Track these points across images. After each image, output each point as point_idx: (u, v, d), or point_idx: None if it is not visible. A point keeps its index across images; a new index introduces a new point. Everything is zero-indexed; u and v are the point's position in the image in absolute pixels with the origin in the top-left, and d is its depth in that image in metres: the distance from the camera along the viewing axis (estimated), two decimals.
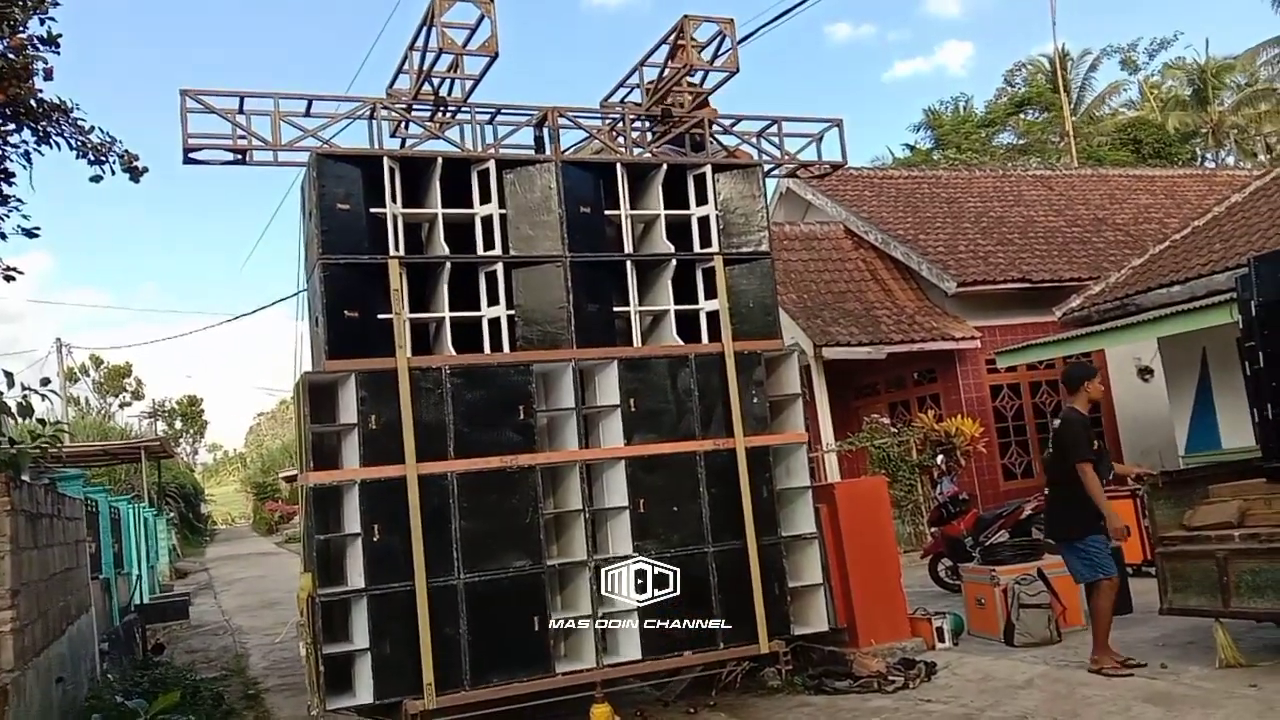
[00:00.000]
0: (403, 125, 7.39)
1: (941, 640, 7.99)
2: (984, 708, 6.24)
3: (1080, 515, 6.65)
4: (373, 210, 6.52)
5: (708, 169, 7.36)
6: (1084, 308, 13.80)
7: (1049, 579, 8.06)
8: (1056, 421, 7.07)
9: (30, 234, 8.18)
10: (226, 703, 9.19)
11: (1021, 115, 40.09)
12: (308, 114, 6.88)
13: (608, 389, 6.90)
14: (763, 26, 11.08)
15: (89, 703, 8.24)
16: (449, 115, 7.26)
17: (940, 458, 12.24)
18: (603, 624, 6.55)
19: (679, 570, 6.76)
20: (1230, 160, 36.93)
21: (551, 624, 6.42)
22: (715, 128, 7.93)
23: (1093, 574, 6.66)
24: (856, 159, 40.19)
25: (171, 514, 32.54)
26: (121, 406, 55.40)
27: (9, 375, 6.51)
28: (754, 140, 8.06)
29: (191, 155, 6.67)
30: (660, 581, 6.69)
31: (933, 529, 11.55)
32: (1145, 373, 15.51)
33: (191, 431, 66.16)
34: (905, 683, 6.98)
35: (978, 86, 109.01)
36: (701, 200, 7.35)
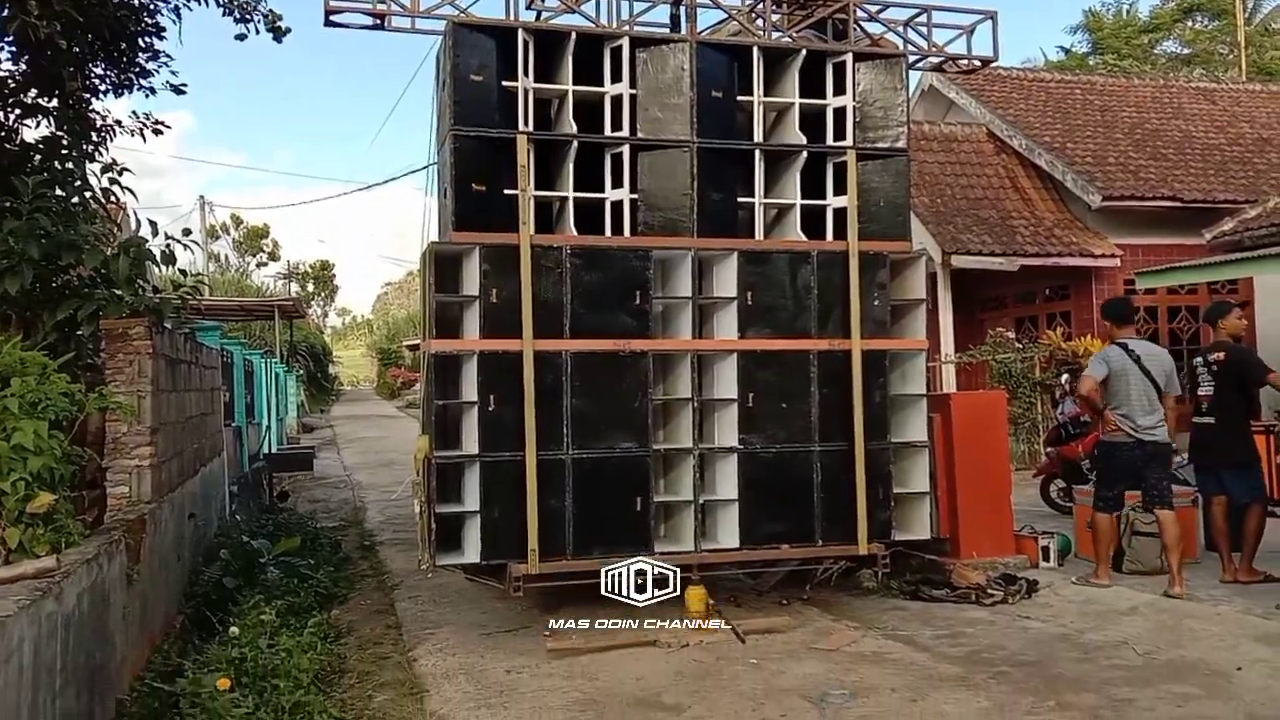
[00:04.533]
0: None
1: (1046, 560, 7.87)
2: (1083, 630, 6.16)
3: (1248, 443, 7.35)
4: (504, 84, 6.48)
5: (848, 57, 7.06)
6: (1236, 232, 13.03)
7: None
8: (1218, 355, 7.36)
9: (178, 90, 8.46)
10: (343, 551, 9.73)
11: (1189, 23, 37.25)
12: None
13: (725, 280, 6.83)
14: None
15: (217, 539, 8.83)
16: None
17: (1065, 377, 11.83)
18: (702, 511, 6.63)
19: (783, 466, 6.76)
20: None
21: (653, 505, 6.53)
22: (860, 14, 7.58)
23: (1253, 495, 7.18)
24: (1007, 59, 38.13)
25: (300, 371, 34.05)
26: (258, 266, 57.88)
27: (154, 224, 6.81)
28: (900, 29, 7.69)
29: (332, 18, 6.72)
30: (763, 475, 6.70)
31: (1049, 449, 11.27)
32: None
33: (322, 295, 68.71)
34: (1004, 598, 6.93)
35: None
36: (839, 90, 7.08)
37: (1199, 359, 7.58)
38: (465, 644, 6.35)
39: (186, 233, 7.32)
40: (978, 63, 8.00)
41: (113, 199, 7.22)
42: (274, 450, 17.51)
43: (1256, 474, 7.36)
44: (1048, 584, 7.29)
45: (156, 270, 7.08)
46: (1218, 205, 15.38)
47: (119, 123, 8.03)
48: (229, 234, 55.32)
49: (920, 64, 7.97)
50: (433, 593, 7.75)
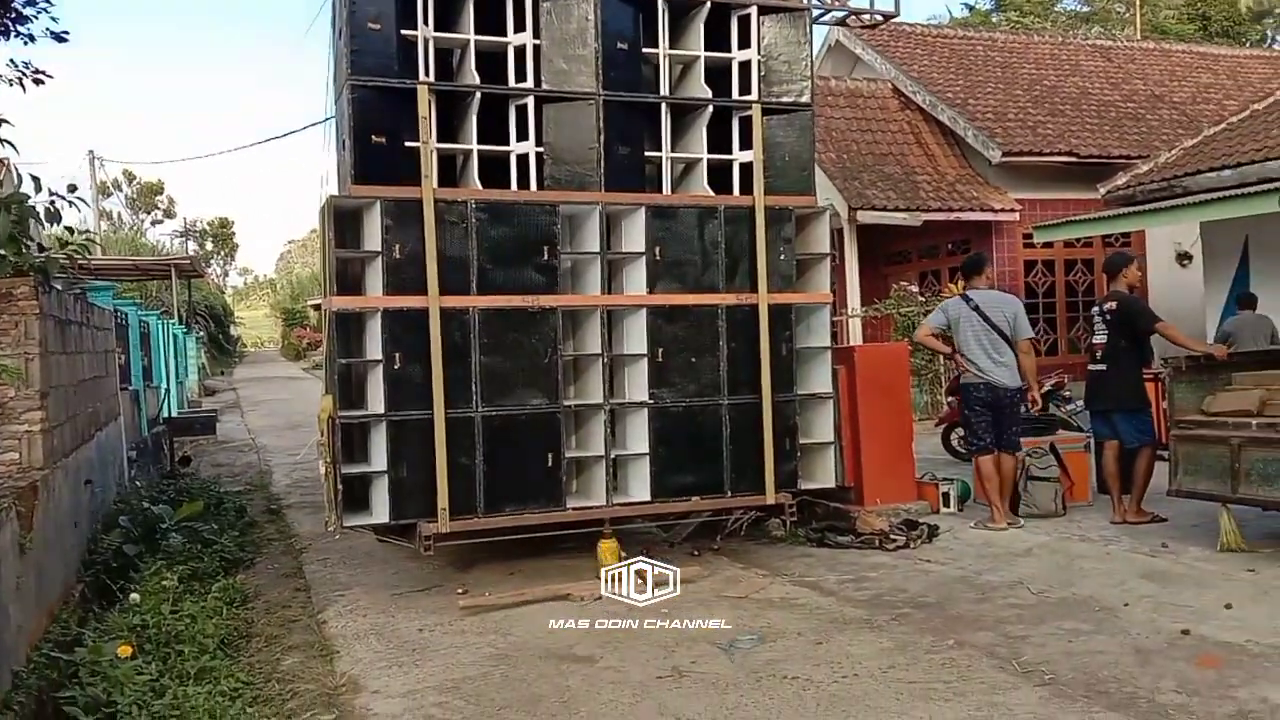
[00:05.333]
0: None
1: (947, 505, 8.12)
2: (981, 571, 6.38)
3: (1139, 389, 7.64)
4: (404, 32, 6.32)
5: (753, 10, 7.05)
6: (1129, 186, 13.44)
7: (1060, 454, 8.12)
8: (1110, 304, 7.64)
9: (59, 37, 8.07)
10: (249, 515, 9.53)
11: None
12: None
13: (634, 235, 6.82)
14: None
15: (117, 506, 8.56)
16: None
17: None
18: (614, 465, 6.66)
19: (693, 419, 6.83)
20: None
21: (564, 461, 6.53)
22: None
23: (1143, 439, 7.47)
24: (912, 14, 38.51)
25: (201, 333, 33.08)
26: (154, 224, 55.76)
27: (36, 180, 6.50)
28: None
29: None
30: (674, 429, 6.76)
31: (949, 398, 11.58)
32: (1184, 258, 15.23)
33: (222, 253, 66.52)
34: (906, 542, 7.13)
35: None
36: (744, 44, 7.07)
37: (1095, 309, 7.89)
38: (376, 604, 6.29)
39: (72, 189, 6.98)
40: (880, 17, 8.10)
41: None
42: (174, 414, 17.04)
43: (1146, 419, 7.67)
44: (948, 528, 7.52)
45: (43, 228, 6.75)
46: (1112, 160, 15.85)
47: None
48: (121, 191, 53.16)
49: (824, 18, 8.04)
50: (342, 555, 7.66)
